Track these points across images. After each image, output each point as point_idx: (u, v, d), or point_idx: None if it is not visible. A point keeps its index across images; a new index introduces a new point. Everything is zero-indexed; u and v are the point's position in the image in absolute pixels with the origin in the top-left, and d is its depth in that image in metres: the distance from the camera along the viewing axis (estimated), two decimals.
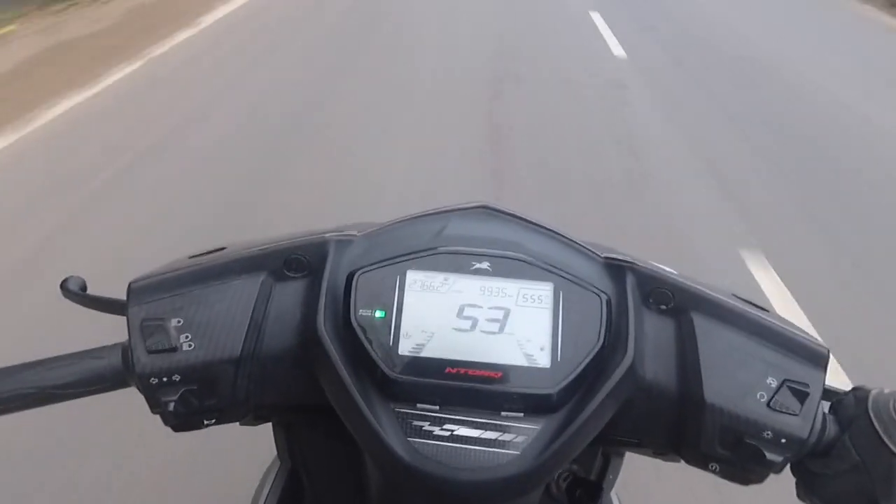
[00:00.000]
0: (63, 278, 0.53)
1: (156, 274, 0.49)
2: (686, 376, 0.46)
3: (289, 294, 0.48)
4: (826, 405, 0.47)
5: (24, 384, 0.48)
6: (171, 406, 0.45)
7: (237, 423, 0.59)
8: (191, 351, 0.46)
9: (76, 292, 0.53)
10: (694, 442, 0.46)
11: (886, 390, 0.45)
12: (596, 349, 0.44)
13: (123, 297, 0.49)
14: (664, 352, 0.47)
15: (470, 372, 0.43)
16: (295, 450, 0.74)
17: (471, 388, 0.43)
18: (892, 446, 0.42)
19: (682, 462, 0.57)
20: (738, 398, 0.44)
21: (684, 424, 0.46)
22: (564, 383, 0.43)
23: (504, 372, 0.43)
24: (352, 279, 0.45)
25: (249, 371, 0.47)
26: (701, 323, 0.46)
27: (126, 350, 0.48)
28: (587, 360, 0.43)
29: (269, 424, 0.71)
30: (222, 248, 0.52)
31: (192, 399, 0.46)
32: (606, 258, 0.48)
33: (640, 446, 0.54)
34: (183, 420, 0.47)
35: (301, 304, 0.47)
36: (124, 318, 0.49)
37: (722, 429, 0.45)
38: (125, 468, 1.69)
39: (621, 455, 0.69)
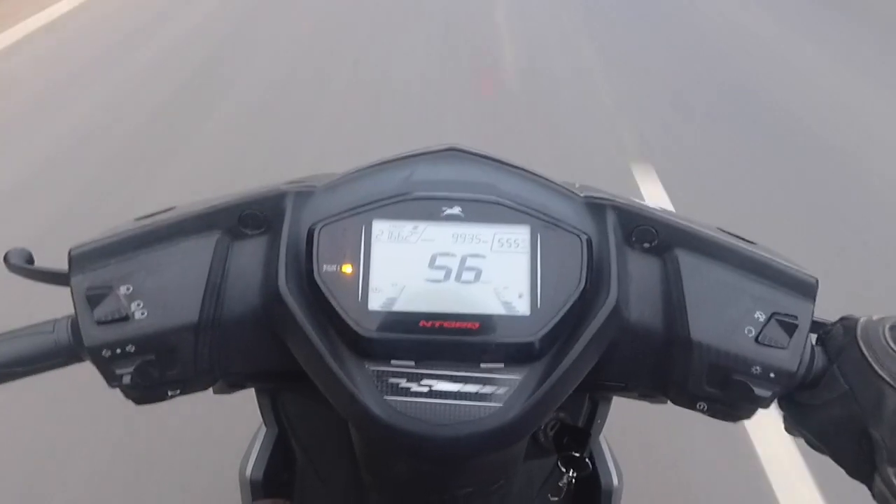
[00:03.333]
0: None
1: (99, 239, 0.45)
2: (672, 315, 0.44)
3: (247, 253, 0.45)
4: (813, 337, 0.46)
5: None
6: (128, 378, 0.42)
7: (211, 392, 0.56)
8: (144, 319, 0.42)
9: (20, 265, 0.49)
10: (681, 382, 0.45)
11: (875, 317, 0.44)
12: (577, 293, 0.41)
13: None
14: (648, 291, 0.45)
15: (446, 324, 0.40)
16: (281, 414, 0.72)
17: (447, 342, 0.40)
18: (881, 372, 0.41)
19: (669, 403, 0.56)
20: (726, 335, 0.43)
21: (671, 365, 0.45)
22: (545, 330, 0.40)
23: (482, 322, 0.41)
24: (313, 233, 0.42)
25: (211, 337, 0.44)
26: (686, 260, 0.44)
27: (75, 322, 0.44)
28: (568, 305, 0.41)
29: (252, 390, 0.69)
30: (171, 209, 0.48)
31: (151, 370, 0.43)
32: (586, 197, 0.45)
33: (626, 390, 0.53)
34: (143, 393, 0.45)
35: (261, 263, 0.44)
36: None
37: (710, 367, 0.43)
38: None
39: (608, 399, 0.68)
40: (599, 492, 0.69)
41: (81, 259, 0.44)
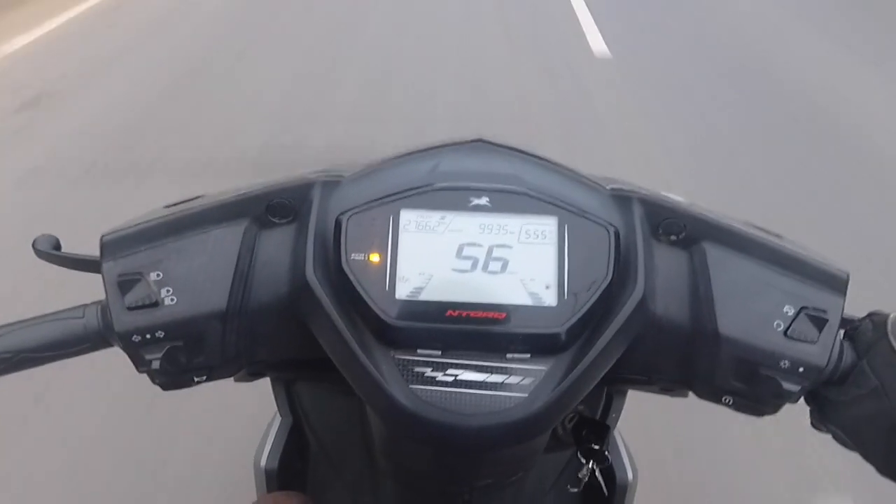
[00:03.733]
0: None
1: (129, 225, 0.46)
2: (699, 309, 0.44)
3: (274, 242, 0.45)
4: (840, 333, 0.46)
5: None
6: (157, 364, 0.42)
7: (231, 380, 0.57)
8: (173, 305, 0.43)
9: (48, 252, 0.49)
10: (707, 376, 0.44)
11: None
12: (604, 284, 0.41)
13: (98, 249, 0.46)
14: (675, 284, 0.44)
15: (472, 314, 0.41)
16: (296, 404, 0.72)
17: (474, 331, 0.41)
18: None
19: (691, 397, 0.56)
20: (754, 329, 0.42)
21: (697, 359, 0.45)
22: (572, 322, 0.40)
23: (508, 313, 0.41)
24: (341, 222, 0.42)
25: (238, 325, 0.44)
26: (713, 253, 0.44)
27: (105, 308, 0.45)
28: (595, 297, 0.41)
29: (268, 379, 0.69)
30: (199, 197, 0.48)
31: (179, 356, 0.43)
32: (612, 189, 0.45)
33: (649, 383, 0.53)
34: (171, 378, 0.45)
35: (288, 251, 0.44)
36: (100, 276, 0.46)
37: (737, 361, 0.43)
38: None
39: (624, 393, 0.68)
40: (614, 485, 0.69)
41: (112, 246, 0.44)
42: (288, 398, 0.72)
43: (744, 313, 0.43)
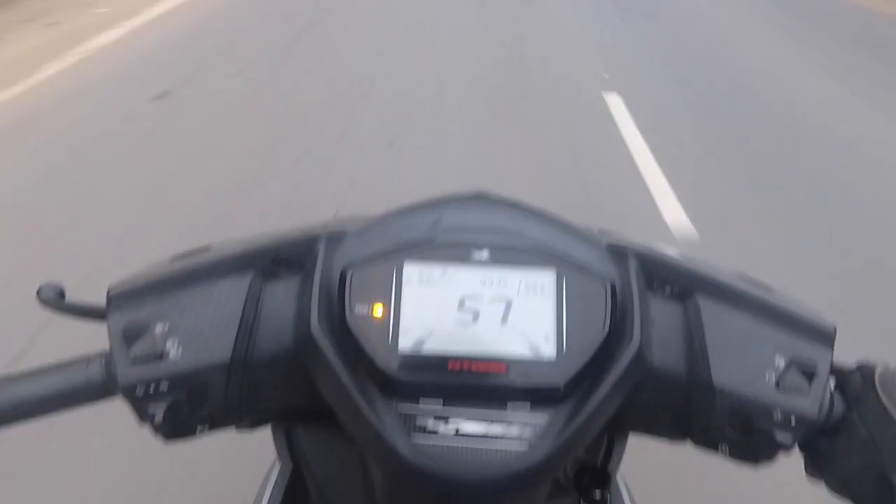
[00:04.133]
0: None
1: (136, 277, 0.46)
2: (693, 361, 0.45)
3: (279, 293, 0.46)
4: (832, 383, 0.47)
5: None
6: (160, 417, 0.43)
7: (233, 429, 0.57)
8: (178, 357, 0.43)
9: (53, 300, 0.50)
10: (703, 426, 0.45)
11: (892, 365, 0.45)
12: (602, 337, 0.42)
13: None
14: (670, 337, 0.46)
15: (474, 366, 0.41)
16: (296, 451, 0.72)
17: (475, 383, 0.41)
18: None
19: (689, 443, 0.56)
20: (747, 380, 0.43)
21: (693, 409, 0.45)
22: (571, 374, 0.41)
23: (508, 365, 0.42)
24: (346, 274, 0.43)
25: (241, 375, 0.45)
26: (707, 306, 0.45)
27: (109, 359, 0.45)
28: (593, 350, 0.42)
29: (268, 426, 0.69)
30: (206, 248, 0.49)
31: (183, 408, 0.44)
32: (609, 244, 0.47)
33: (647, 432, 0.53)
34: (173, 429, 0.45)
35: (294, 303, 0.45)
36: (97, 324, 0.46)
37: (731, 412, 0.44)
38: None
39: (625, 437, 0.68)
40: None
41: (119, 298, 0.45)
42: (288, 445, 0.72)
43: (737, 365, 0.44)
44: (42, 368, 0.47)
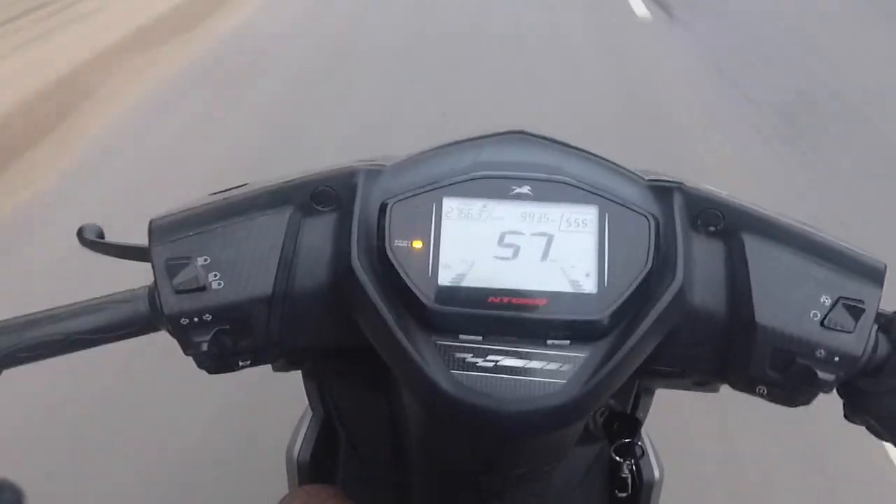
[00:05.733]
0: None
1: (177, 211, 0.47)
2: (736, 299, 0.44)
3: (318, 229, 0.46)
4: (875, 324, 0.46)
5: (50, 332, 0.47)
6: (205, 346, 0.44)
7: (269, 370, 0.58)
8: (220, 290, 0.44)
9: (93, 240, 0.51)
10: (742, 366, 0.45)
11: None
12: (644, 273, 0.42)
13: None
14: (713, 275, 0.45)
15: (514, 301, 0.41)
16: (327, 399, 0.74)
17: (515, 318, 0.41)
18: None
19: (721, 391, 0.56)
20: (791, 318, 0.43)
21: (732, 349, 0.45)
22: (612, 309, 0.41)
23: (549, 300, 0.41)
24: (385, 209, 0.43)
25: (282, 310, 0.45)
26: (752, 243, 0.44)
27: (153, 292, 0.46)
28: (635, 285, 0.41)
29: (299, 375, 0.70)
30: (244, 185, 0.49)
31: (226, 339, 0.45)
32: (651, 180, 0.46)
33: (682, 376, 0.53)
34: (217, 362, 0.46)
35: (332, 238, 0.45)
36: (145, 263, 0.47)
37: (773, 351, 0.43)
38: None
39: (652, 392, 0.68)
40: (641, 482, 0.69)
41: (161, 231, 0.45)
42: (319, 393, 0.73)
43: (781, 303, 0.43)
44: (90, 301, 0.48)
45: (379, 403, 0.68)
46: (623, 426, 0.58)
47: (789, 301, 0.43)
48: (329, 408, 0.74)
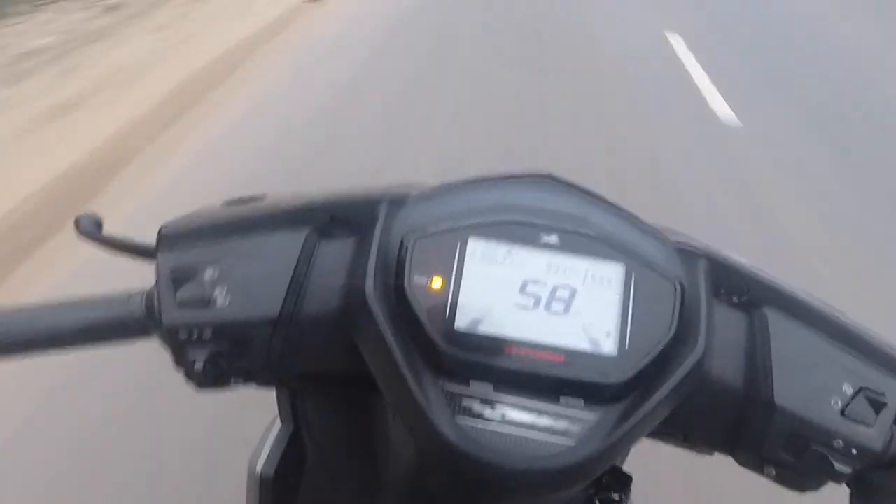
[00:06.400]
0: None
1: (189, 219, 0.45)
2: (755, 375, 0.43)
3: (333, 253, 0.44)
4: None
5: (34, 325, 0.45)
6: (200, 364, 0.42)
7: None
8: (225, 307, 0.42)
9: (91, 231, 0.48)
10: (754, 444, 0.43)
11: None
12: (666, 339, 0.40)
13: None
14: (732, 347, 0.44)
15: (530, 353, 0.40)
16: (299, 414, 0.71)
17: (530, 371, 0.40)
18: None
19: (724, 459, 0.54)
20: (811, 403, 0.42)
21: (745, 425, 0.44)
22: (630, 374, 0.40)
23: (567, 356, 0.40)
24: (407, 242, 0.41)
25: (286, 333, 0.43)
26: (776, 320, 0.43)
27: (152, 298, 0.44)
28: (656, 351, 0.40)
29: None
30: (261, 197, 0.48)
31: (222, 358, 0.42)
32: (677, 243, 0.45)
33: (686, 440, 0.52)
34: (209, 379, 0.44)
35: (347, 265, 0.44)
36: (144, 261, 0.45)
37: (789, 433, 0.42)
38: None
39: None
40: None
41: (170, 238, 0.44)
42: (292, 407, 0.70)
43: (801, 386, 0.42)
44: (83, 299, 0.46)
45: (356, 426, 0.65)
46: (612, 480, 0.56)
47: (810, 385, 0.42)
48: (300, 423, 0.71)
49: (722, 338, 0.43)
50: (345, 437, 0.68)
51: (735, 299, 0.44)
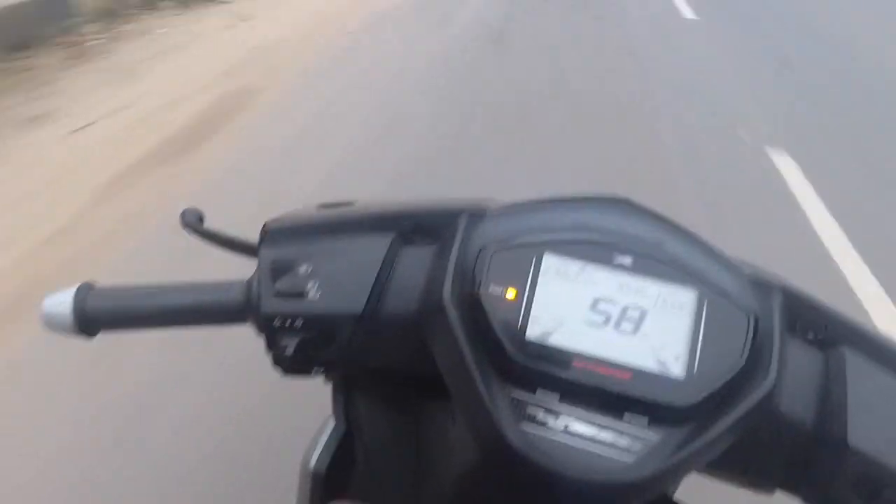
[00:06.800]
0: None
1: (289, 218, 0.49)
2: (827, 414, 0.42)
3: (414, 259, 0.47)
4: None
5: (147, 303, 0.50)
6: (290, 350, 0.45)
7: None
8: (316, 299, 0.46)
9: (195, 226, 0.54)
10: (822, 485, 0.43)
11: None
12: (736, 369, 0.41)
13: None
14: (805, 383, 0.43)
15: (598, 368, 0.41)
16: (352, 413, 0.74)
17: (596, 385, 0.41)
18: None
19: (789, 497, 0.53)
20: (887, 447, 0.41)
21: (813, 464, 0.43)
22: (697, 399, 0.40)
23: (633, 375, 0.41)
24: (484, 253, 0.44)
25: (367, 328, 0.47)
26: (854, 360, 0.43)
27: (251, 287, 0.48)
28: (725, 379, 0.40)
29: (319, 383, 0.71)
30: (351, 203, 0.51)
31: (309, 347, 0.46)
32: (753, 275, 0.45)
33: (743, 474, 0.51)
34: (294, 365, 0.48)
35: (426, 270, 0.47)
36: (233, 254, 0.49)
37: (862, 476, 0.41)
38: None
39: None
40: None
41: (273, 234, 0.48)
42: (345, 407, 0.74)
43: (878, 428, 0.41)
44: (188, 284, 0.51)
45: (408, 428, 0.68)
46: None
47: (887, 427, 0.41)
48: (353, 423, 0.75)
49: (795, 373, 0.43)
50: (394, 439, 0.71)
51: (811, 335, 0.44)
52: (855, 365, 0.42)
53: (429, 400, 0.46)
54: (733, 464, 0.48)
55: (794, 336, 0.44)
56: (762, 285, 0.44)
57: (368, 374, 0.61)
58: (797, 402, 0.43)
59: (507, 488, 0.49)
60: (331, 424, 0.75)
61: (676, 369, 0.41)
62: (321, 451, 0.72)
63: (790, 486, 0.46)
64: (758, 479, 0.50)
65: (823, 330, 0.44)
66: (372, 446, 0.73)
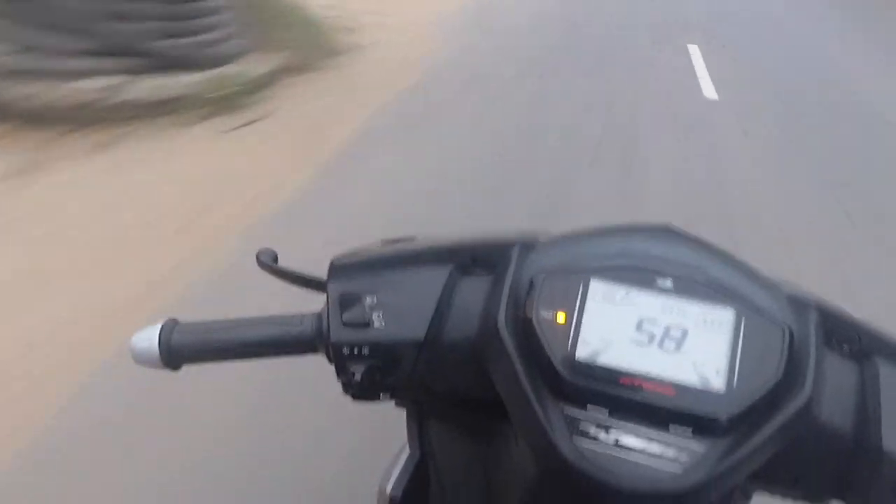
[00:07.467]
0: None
1: (354, 254, 0.54)
2: (864, 423, 0.45)
3: (471, 288, 0.52)
4: None
5: (227, 337, 0.55)
6: (358, 376, 0.50)
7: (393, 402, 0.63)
8: (381, 328, 0.50)
9: (270, 265, 0.59)
10: (863, 488, 0.45)
11: None
12: (774, 381, 0.43)
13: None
14: (842, 395, 0.46)
15: (644, 384, 0.44)
16: (425, 440, 0.78)
17: (643, 400, 0.44)
18: None
19: None
20: None
21: (854, 472, 0.45)
22: (738, 410, 0.43)
23: (677, 389, 0.44)
24: (536, 281, 0.48)
25: (429, 354, 0.51)
26: (887, 371, 0.45)
27: (321, 319, 0.53)
28: (763, 391, 0.43)
29: (403, 413, 0.75)
30: (412, 238, 0.56)
31: (376, 373, 0.51)
32: (790, 294, 0.48)
33: (793, 487, 0.53)
34: (362, 390, 0.52)
35: (482, 299, 0.51)
36: (302, 290, 0.54)
37: None
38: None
39: (749, 497, 0.67)
40: None
41: (339, 269, 0.53)
42: (419, 433, 0.78)
43: None
44: (264, 318, 0.56)
45: (477, 454, 0.71)
46: None
47: None
48: (426, 449, 0.78)
49: (832, 384, 0.46)
50: (465, 466, 0.74)
51: (846, 348, 0.47)
52: (888, 375, 0.45)
53: (495, 423, 0.49)
54: (783, 477, 0.50)
55: (830, 350, 0.47)
56: (798, 302, 0.47)
57: (439, 402, 0.65)
58: (836, 412, 0.45)
59: (565, 501, 0.52)
60: (406, 451, 0.79)
61: (717, 383, 0.44)
62: (397, 477, 0.76)
63: (834, 493, 0.48)
64: (808, 491, 0.52)
65: (857, 342, 0.46)
66: (445, 471, 0.77)
